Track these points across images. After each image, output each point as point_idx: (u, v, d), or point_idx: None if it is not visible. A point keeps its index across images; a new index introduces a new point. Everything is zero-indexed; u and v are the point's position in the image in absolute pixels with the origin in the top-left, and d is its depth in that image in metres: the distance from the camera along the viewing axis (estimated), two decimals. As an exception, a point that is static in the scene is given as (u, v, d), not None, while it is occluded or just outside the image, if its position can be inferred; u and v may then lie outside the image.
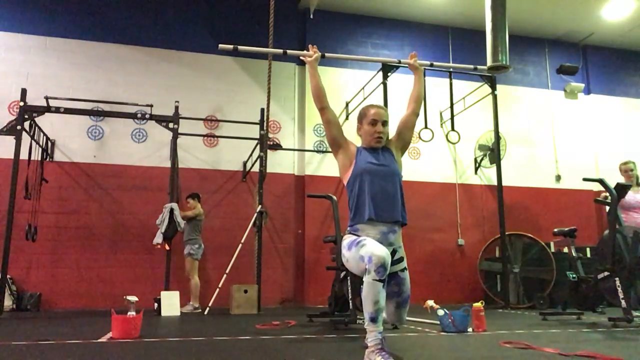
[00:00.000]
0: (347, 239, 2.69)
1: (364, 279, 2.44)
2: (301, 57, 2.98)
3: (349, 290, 4.47)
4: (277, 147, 7.43)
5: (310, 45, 3.02)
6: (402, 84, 8.32)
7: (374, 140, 2.80)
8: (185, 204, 6.99)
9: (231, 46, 3.11)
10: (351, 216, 2.73)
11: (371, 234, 2.62)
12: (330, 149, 3.08)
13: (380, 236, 2.63)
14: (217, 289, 6.31)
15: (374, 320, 2.38)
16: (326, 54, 3.13)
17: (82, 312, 6.33)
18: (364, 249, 2.48)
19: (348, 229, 2.76)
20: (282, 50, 3.30)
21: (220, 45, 3.14)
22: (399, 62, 3.13)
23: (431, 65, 3.50)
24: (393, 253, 2.65)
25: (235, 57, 8.21)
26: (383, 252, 2.45)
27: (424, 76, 6.25)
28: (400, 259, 2.72)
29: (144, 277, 7.10)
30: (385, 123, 2.81)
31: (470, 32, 9.09)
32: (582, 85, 9.61)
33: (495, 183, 7.41)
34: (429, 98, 7.41)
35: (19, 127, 5.80)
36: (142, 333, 3.63)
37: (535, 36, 9.61)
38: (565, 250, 6.99)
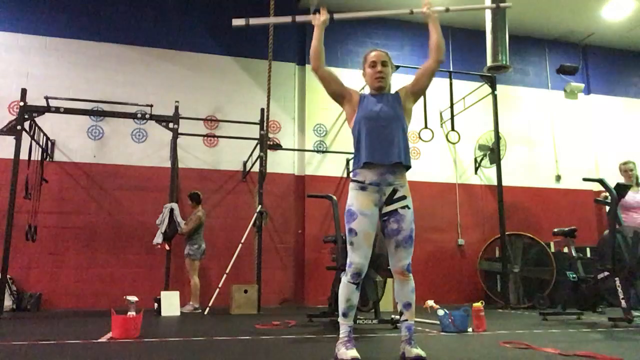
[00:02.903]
0: (348, 199, 2.77)
1: (341, 276, 2.74)
2: (311, 20, 2.94)
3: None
4: (277, 147, 7.43)
5: (322, 8, 3.03)
6: (402, 84, 8.33)
7: (376, 81, 2.87)
8: (186, 204, 6.99)
9: (243, 21, 3.10)
10: (354, 161, 2.84)
11: (368, 176, 2.71)
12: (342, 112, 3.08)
13: (377, 177, 2.71)
14: (217, 289, 6.31)
15: (344, 315, 2.70)
16: (335, 16, 3.01)
17: (82, 312, 6.33)
18: (349, 252, 2.69)
19: (351, 173, 2.89)
20: (290, 18, 3.22)
21: (233, 22, 3.16)
22: (411, 12, 2.93)
23: (447, 10, 3.00)
24: (393, 192, 2.71)
25: (235, 57, 8.21)
26: (361, 258, 2.66)
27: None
28: (402, 197, 2.72)
29: (144, 277, 7.10)
30: (385, 63, 2.88)
31: (470, 32, 9.09)
32: (582, 85, 9.61)
33: (495, 183, 7.41)
34: (429, 98, 7.43)
35: (19, 127, 5.80)
36: (142, 333, 3.63)
37: (535, 36, 9.61)
38: (565, 250, 6.99)
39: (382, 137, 2.75)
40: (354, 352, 2.57)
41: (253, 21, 3.09)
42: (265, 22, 3.31)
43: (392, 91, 2.93)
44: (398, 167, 2.74)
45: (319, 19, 2.94)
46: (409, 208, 2.72)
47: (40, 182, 6.75)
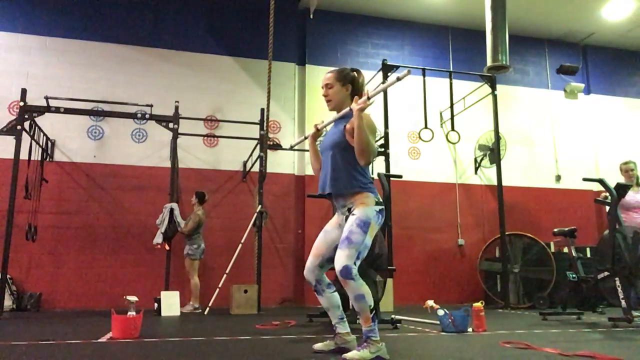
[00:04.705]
0: None
1: None
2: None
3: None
4: (277, 147, 7.43)
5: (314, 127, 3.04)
6: (402, 83, 8.33)
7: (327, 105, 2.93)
8: (186, 204, 6.99)
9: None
10: None
11: (334, 202, 2.84)
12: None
13: (335, 203, 2.83)
14: (217, 289, 6.31)
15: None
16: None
17: (82, 312, 6.33)
18: None
19: None
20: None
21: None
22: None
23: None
24: (349, 212, 2.72)
25: (235, 57, 8.21)
26: (306, 268, 2.89)
27: (424, 76, 6.23)
28: (352, 211, 2.70)
29: (144, 277, 7.10)
30: (328, 85, 2.88)
31: (470, 32, 9.09)
32: (582, 85, 9.61)
33: (495, 183, 7.41)
34: (429, 98, 7.42)
35: (19, 127, 5.79)
36: (142, 333, 3.63)
37: (535, 36, 9.61)
38: (565, 250, 7.01)
39: (324, 168, 2.84)
40: (318, 344, 2.86)
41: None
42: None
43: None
44: (345, 192, 2.73)
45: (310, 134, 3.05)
46: (353, 214, 2.66)
47: (40, 182, 6.75)
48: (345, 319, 2.86)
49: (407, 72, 2.44)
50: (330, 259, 2.81)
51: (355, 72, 2.92)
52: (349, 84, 2.86)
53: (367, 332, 2.60)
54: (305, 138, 3.12)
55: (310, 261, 2.86)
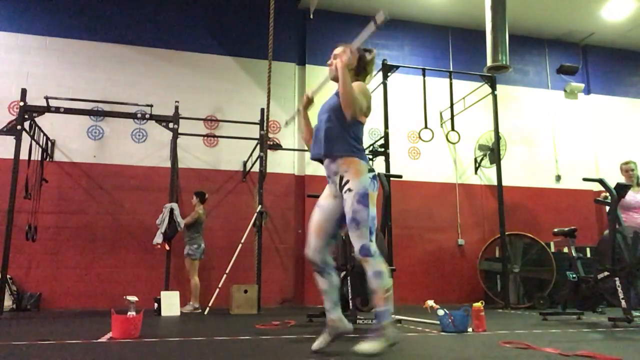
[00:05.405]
0: None
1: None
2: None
3: (349, 290, 4.47)
4: (277, 147, 7.43)
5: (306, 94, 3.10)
6: (402, 83, 8.34)
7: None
8: (186, 204, 6.99)
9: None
10: None
11: (325, 170, 2.82)
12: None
13: (326, 170, 2.81)
14: (217, 289, 6.31)
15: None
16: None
17: (82, 312, 6.33)
18: None
19: None
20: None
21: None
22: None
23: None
24: (341, 180, 2.72)
25: (235, 57, 8.22)
26: (309, 250, 2.85)
27: (424, 76, 6.21)
28: (346, 182, 2.69)
29: (144, 277, 7.10)
30: (334, 56, 2.97)
31: (470, 32, 9.09)
32: (582, 85, 9.61)
33: (495, 183, 7.41)
34: (429, 98, 7.43)
35: (19, 127, 5.80)
36: (142, 333, 3.63)
37: (535, 36, 9.61)
38: (565, 250, 7.00)
39: (317, 132, 2.87)
40: (315, 343, 2.80)
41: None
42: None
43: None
44: (338, 156, 2.75)
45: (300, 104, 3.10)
46: (350, 190, 2.65)
47: (40, 182, 6.75)
48: (339, 304, 2.85)
49: (385, 17, 2.62)
50: (333, 235, 2.83)
51: (367, 52, 3.05)
52: (356, 62, 2.98)
53: (380, 315, 2.58)
54: (299, 110, 3.13)
55: (314, 242, 2.83)
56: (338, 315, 2.83)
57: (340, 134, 2.76)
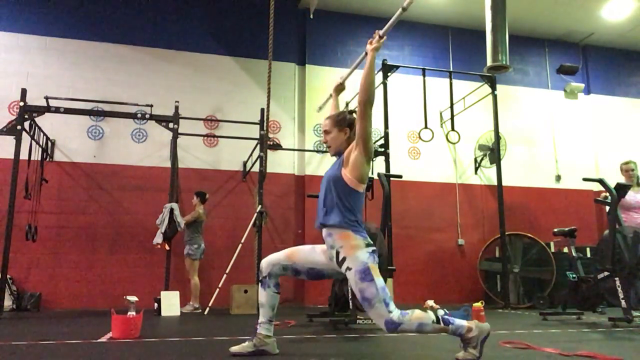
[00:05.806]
0: None
1: None
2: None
3: (349, 290, 4.47)
4: (277, 147, 7.43)
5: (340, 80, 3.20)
6: (402, 83, 8.34)
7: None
8: (186, 204, 6.99)
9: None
10: None
11: (324, 240, 2.76)
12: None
13: (325, 241, 2.75)
14: (217, 289, 6.31)
15: None
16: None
17: (82, 312, 6.33)
18: None
19: None
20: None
21: None
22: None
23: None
24: (337, 255, 2.64)
25: (235, 57, 8.21)
26: (269, 257, 2.85)
27: (424, 76, 6.25)
28: (343, 259, 2.62)
29: (144, 277, 7.10)
30: (327, 132, 2.86)
31: (470, 32, 9.08)
32: (582, 85, 9.61)
33: (495, 183, 7.41)
34: (429, 98, 7.42)
35: (19, 127, 5.79)
36: (142, 333, 3.63)
37: (535, 36, 9.61)
38: (565, 250, 7.01)
39: (319, 203, 2.80)
40: (237, 346, 2.80)
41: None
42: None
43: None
44: (332, 228, 2.67)
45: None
46: (349, 269, 2.58)
47: (40, 182, 6.75)
48: (272, 323, 2.82)
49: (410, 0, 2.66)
50: (296, 271, 2.82)
51: (353, 114, 2.87)
52: (347, 128, 2.82)
53: (454, 333, 2.52)
54: (331, 96, 3.21)
55: (278, 257, 2.83)
56: (268, 332, 2.79)
57: (335, 204, 2.68)
